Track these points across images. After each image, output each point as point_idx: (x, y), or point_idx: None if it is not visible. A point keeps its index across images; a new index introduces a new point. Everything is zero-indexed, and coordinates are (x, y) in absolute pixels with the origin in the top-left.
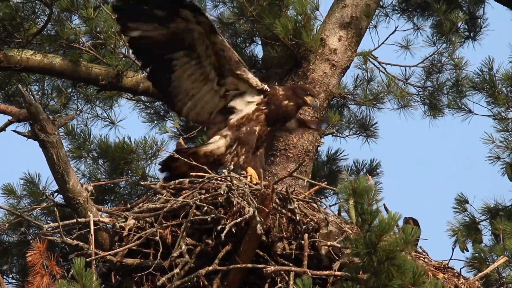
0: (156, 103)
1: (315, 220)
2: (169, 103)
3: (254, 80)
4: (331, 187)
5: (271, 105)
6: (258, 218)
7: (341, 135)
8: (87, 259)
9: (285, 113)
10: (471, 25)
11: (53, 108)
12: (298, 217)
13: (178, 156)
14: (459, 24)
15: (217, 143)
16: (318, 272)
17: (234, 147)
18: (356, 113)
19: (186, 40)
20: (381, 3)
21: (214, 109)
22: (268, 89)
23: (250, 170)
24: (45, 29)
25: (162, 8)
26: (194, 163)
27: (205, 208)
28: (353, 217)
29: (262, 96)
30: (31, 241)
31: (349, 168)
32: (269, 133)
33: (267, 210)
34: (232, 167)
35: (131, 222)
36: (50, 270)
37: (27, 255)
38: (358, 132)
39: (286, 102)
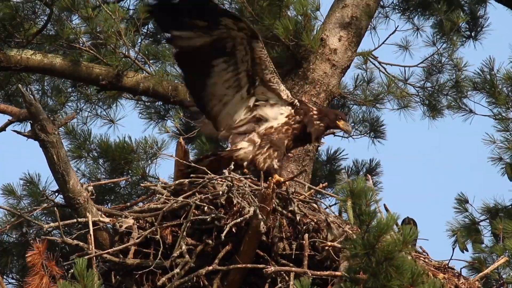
0: (157, 103)
1: (315, 220)
2: (203, 109)
3: (285, 93)
4: (329, 194)
5: (302, 122)
6: (260, 216)
7: (344, 136)
8: (86, 257)
9: (315, 133)
10: (473, 25)
11: (53, 107)
12: (298, 217)
13: (214, 157)
14: (460, 24)
15: (246, 149)
16: (318, 272)
17: (266, 149)
18: (365, 114)
19: (227, 47)
20: (381, 3)
21: (243, 118)
22: (299, 104)
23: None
24: (45, 29)
25: (202, 19)
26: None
27: (205, 208)
28: (351, 218)
29: (291, 109)
30: (31, 241)
31: (349, 168)
32: (291, 149)
33: (268, 209)
34: (265, 168)
35: (130, 222)
36: (49, 271)
37: (26, 255)
38: (363, 133)
39: (318, 122)
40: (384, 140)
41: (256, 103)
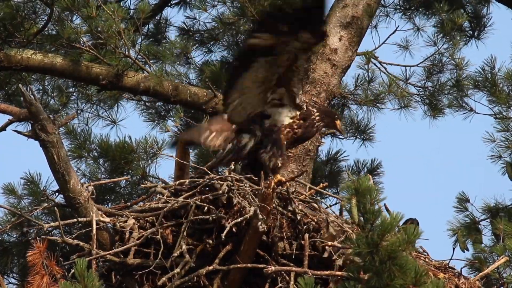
0: (157, 103)
1: (316, 220)
2: (224, 96)
3: (299, 98)
4: (330, 194)
5: (303, 126)
6: (260, 216)
7: (339, 137)
8: (88, 259)
9: (311, 134)
10: (475, 24)
11: (53, 107)
12: (298, 217)
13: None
14: (462, 24)
15: (250, 142)
16: (318, 272)
17: (269, 147)
18: (353, 117)
19: (277, 49)
20: (382, 3)
21: (253, 112)
22: (305, 108)
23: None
24: (46, 29)
25: (290, 26)
26: None
27: (206, 207)
28: (355, 216)
29: (297, 112)
30: (31, 240)
31: (350, 168)
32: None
33: (268, 209)
34: (271, 166)
35: (131, 222)
36: (50, 270)
37: (27, 254)
38: (355, 135)
39: (318, 123)
40: (373, 143)
41: (272, 101)
